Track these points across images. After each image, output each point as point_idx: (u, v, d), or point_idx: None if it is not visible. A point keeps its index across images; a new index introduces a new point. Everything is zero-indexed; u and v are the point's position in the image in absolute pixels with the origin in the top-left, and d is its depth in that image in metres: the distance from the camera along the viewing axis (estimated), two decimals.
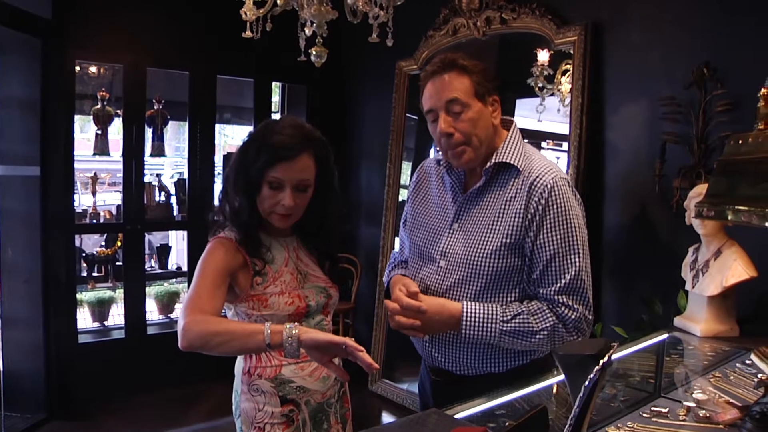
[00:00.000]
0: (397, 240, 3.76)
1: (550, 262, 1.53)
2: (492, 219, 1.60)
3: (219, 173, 4.60)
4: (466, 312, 1.51)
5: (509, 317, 1.51)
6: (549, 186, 1.54)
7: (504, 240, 1.56)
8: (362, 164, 4.96)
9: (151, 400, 4.01)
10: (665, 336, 2.11)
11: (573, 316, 1.53)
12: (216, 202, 1.74)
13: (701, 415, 1.56)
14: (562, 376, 1.76)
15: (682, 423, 1.58)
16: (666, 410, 1.63)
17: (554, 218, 1.53)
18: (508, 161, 1.61)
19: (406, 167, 4.48)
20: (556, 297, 1.53)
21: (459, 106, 1.57)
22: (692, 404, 1.62)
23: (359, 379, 4.48)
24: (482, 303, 1.54)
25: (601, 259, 3.20)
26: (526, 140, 1.72)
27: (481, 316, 1.50)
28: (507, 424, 1.05)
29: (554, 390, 1.69)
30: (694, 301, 2.15)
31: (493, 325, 1.50)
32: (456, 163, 1.64)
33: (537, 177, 1.56)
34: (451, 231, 1.67)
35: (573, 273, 1.53)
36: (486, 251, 1.58)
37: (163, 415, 3.91)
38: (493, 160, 1.62)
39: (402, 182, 4.48)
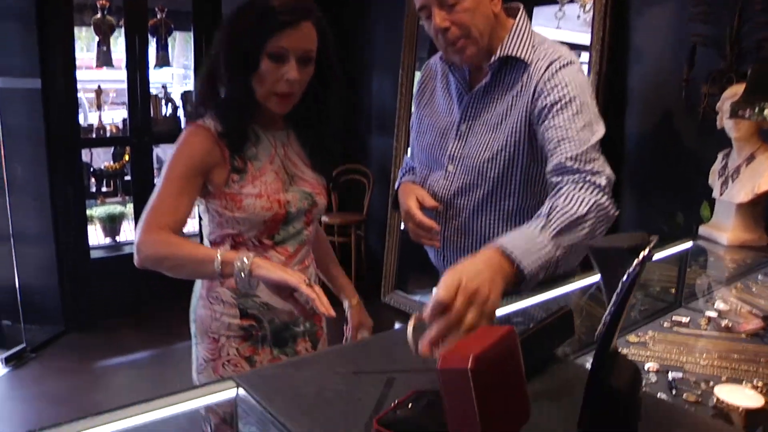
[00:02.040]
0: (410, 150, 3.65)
1: (565, 135, 1.34)
2: (499, 117, 1.47)
3: None
4: (505, 242, 1.11)
5: (544, 221, 1.19)
6: (557, 67, 1.41)
7: (510, 139, 1.44)
8: (373, 73, 4.82)
9: (165, 313, 4.05)
10: (689, 245, 2.05)
11: (604, 182, 1.29)
12: (196, 89, 1.53)
13: (723, 325, 1.54)
14: (580, 283, 1.76)
15: (703, 333, 1.55)
16: (687, 320, 1.61)
17: (565, 95, 1.37)
18: (514, 54, 1.47)
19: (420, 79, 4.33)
20: (578, 165, 1.30)
21: None
22: (714, 314, 1.60)
23: (371, 290, 4.53)
24: (508, 232, 1.26)
25: (621, 169, 3.10)
26: None
27: (522, 236, 1.15)
28: (532, 326, 0.99)
29: (574, 298, 1.66)
30: (722, 208, 2.08)
31: (541, 237, 1.16)
32: (458, 60, 1.51)
33: (546, 63, 1.42)
34: (459, 133, 1.55)
35: (594, 141, 1.34)
36: (492, 152, 1.46)
37: (179, 327, 3.96)
38: (497, 54, 1.48)
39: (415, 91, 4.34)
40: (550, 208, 1.22)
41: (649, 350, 1.48)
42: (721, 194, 2.06)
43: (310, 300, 1.20)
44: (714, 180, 2.11)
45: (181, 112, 4.62)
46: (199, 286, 1.57)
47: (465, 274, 0.97)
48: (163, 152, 5.07)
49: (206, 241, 1.54)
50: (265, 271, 1.24)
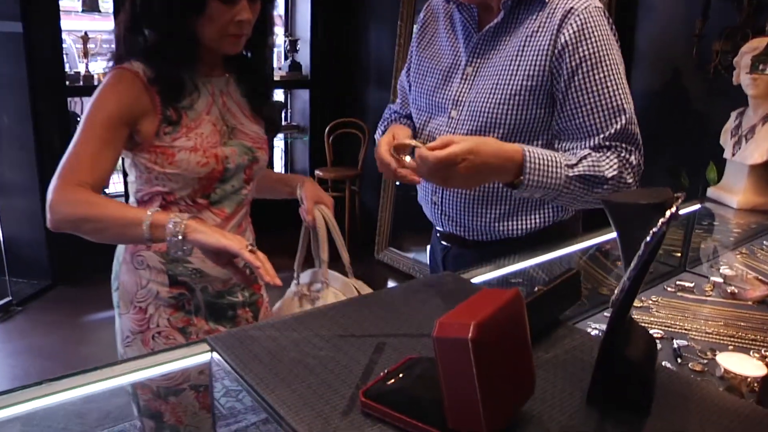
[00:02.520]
0: None
1: (596, 106, 1.26)
2: (511, 58, 1.33)
3: None
4: (529, 152, 1.18)
5: (574, 161, 1.23)
6: (583, 16, 1.27)
7: (525, 83, 1.30)
8: (370, 25, 4.67)
9: None
10: (696, 207, 1.98)
11: (634, 161, 1.28)
12: (118, 31, 1.32)
13: (728, 291, 1.48)
14: (585, 243, 1.69)
15: (707, 299, 1.50)
16: (691, 285, 1.56)
17: (591, 54, 1.25)
18: None
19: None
20: (612, 143, 1.26)
21: None
22: (719, 280, 1.55)
23: (365, 246, 4.46)
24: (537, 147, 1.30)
25: None
26: None
27: (545, 159, 1.20)
28: (537, 289, 0.91)
29: (577, 258, 1.58)
30: (733, 170, 1.98)
31: (559, 170, 1.21)
32: None
33: (568, 5, 1.29)
34: (464, 76, 1.41)
35: (626, 116, 1.27)
36: (504, 96, 1.32)
37: None
38: None
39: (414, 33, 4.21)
40: (584, 155, 1.24)
41: (652, 316, 1.42)
42: (733, 155, 1.96)
43: (253, 267, 1.08)
44: (726, 140, 2.01)
45: None
46: (122, 249, 1.43)
47: (485, 149, 1.14)
48: None
49: (132, 200, 1.40)
50: (202, 236, 1.11)
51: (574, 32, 1.25)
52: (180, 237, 1.11)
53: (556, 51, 1.27)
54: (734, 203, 1.96)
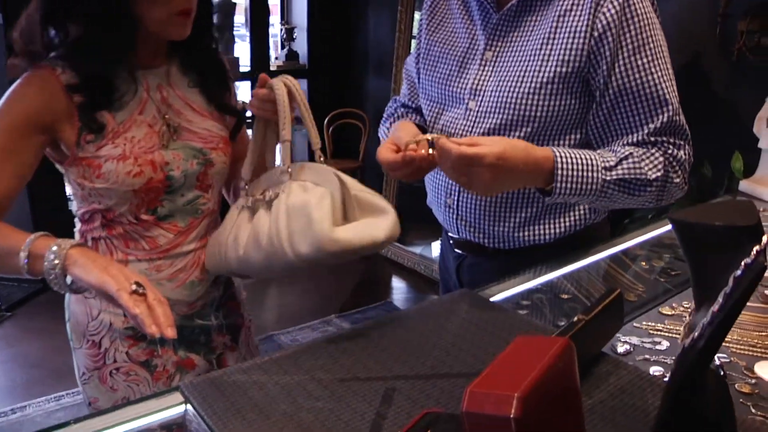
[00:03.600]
0: None
1: (640, 95, 1.12)
2: (540, 42, 1.16)
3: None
4: (561, 157, 1.07)
5: (613, 162, 1.11)
6: None
7: (558, 69, 1.14)
8: (369, 11, 4.51)
9: None
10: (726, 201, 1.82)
11: (683, 157, 1.15)
12: (22, 28, 1.11)
13: (767, 294, 1.30)
14: (616, 248, 1.54)
15: (747, 304, 1.33)
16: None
17: (635, 36, 1.11)
18: None
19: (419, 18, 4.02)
20: (657, 138, 1.13)
21: None
22: None
23: None
24: (571, 148, 1.15)
25: None
26: None
27: (579, 163, 1.08)
28: (576, 319, 0.75)
29: (606, 266, 1.43)
30: None
31: (595, 174, 1.08)
32: None
33: None
34: (483, 62, 1.24)
35: (673, 107, 1.12)
36: (533, 85, 1.16)
37: None
38: None
39: (415, 31, 4.05)
40: (625, 156, 1.11)
41: None
42: None
43: (129, 315, 0.86)
44: (761, 128, 1.84)
45: None
46: None
47: (512, 154, 0.99)
48: None
49: (76, 220, 1.22)
50: (80, 270, 0.92)
51: (616, 12, 1.10)
52: (59, 271, 0.92)
53: (596, 33, 1.11)
54: None
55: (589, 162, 1.08)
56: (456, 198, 1.31)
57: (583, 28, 1.11)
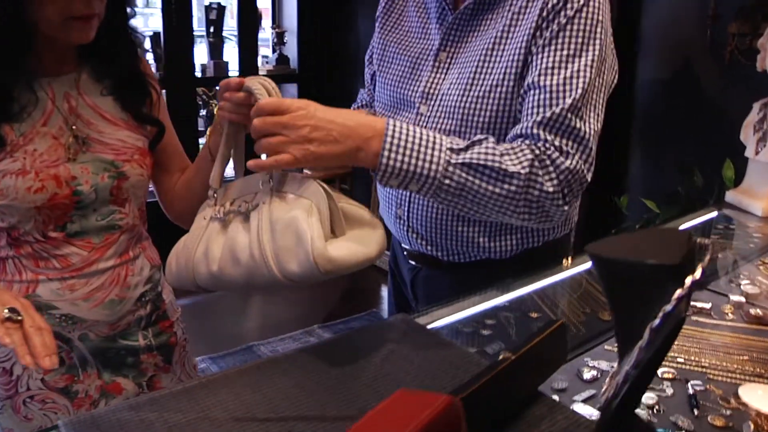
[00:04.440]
0: None
1: (543, 86, 1.01)
2: (494, 41, 1.10)
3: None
4: (395, 124, 0.93)
5: (463, 145, 0.96)
6: None
7: (510, 70, 1.06)
8: (360, 15, 4.45)
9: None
10: (714, 214, 1.73)
11: (566, 166, 0.98)
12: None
13: (752, 313, 1.24)
14: (580, 267, 1.45)
15: (728, 324, 1.25)
16: (708, 306, 1.31)
17: (569, 29, 1.02)
18: None
19: None
20: (538, 132, 0.99)
21: None
22: (741, 299, 1.31)
23: None
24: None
25: (631, 120, 2.80)
26: None
27: (417, 136, 0.94)
28: (502, 357, 0.66)
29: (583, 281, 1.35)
30: (757, 171, 1.73)
31: (437, 153, 0.94)
32: None
33: None
34: (437, 63, 1.18)
35: (570, 105, 0.99)
36: (485, 88, 1.08)
37: None
38: None
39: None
40: (479, 140, 0.97)
41: None
42: (756, 153, 1.70)
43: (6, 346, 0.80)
44: (748, 136, 1.75)
45: (150, 57, 4.24)
46: None
47: (316, 109, 0.88)
48: None
49: None
50: None
51: (558, 2, 1.03)
52: None
53: (537, 26, 1.04)
54: (758, 210, 1.70)
55: (432, 139, 0.94)
56: (406, 209, 1.24)
57: (532, 27, 1.05)
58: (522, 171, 0.95)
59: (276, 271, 0.88)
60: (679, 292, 0.40)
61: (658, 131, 2.75)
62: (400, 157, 0.91)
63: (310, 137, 0.87)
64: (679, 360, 1.15)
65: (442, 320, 1.06)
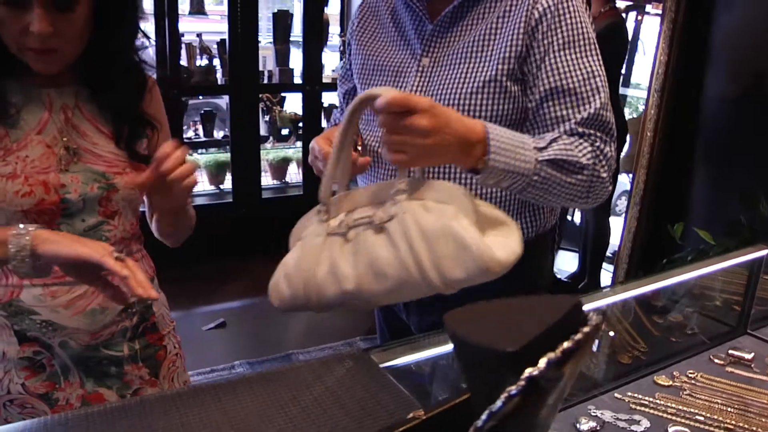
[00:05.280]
0: None
1: (568, 89, 1.12)
2: (480, 43, 1.17)
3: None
4: (493, 130, 0.99)
5: (543, 144, 1.06)
6: None
7: (500, 66, 1.14)
8: None
9: (177, 275, 3.87)
10: (764, 252, 1.56)
11: (609, 153, 1.12)
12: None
13: None
14: (628, 293, 1.34)
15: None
16: (750, 356, 1.23)
17: (566, 32, 1.12)
18: None
19: None
20: (584, 130, 1.11)
21: None
22: None
23: None
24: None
25: (694, 140, 2.64)
26: None
27: (511, 138, 1.01)
28: (411, 415, 0.58)
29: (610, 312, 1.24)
30: None
31: (528, 152, 1.02)
32: None
33: None
34: (421, 68, 1.22)
35: (600, 101, 1.12)
36: (476, 84, 1.15)
37: (194, 290, 3.75)
38: None
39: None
40: (553, 139, 1.08)
41: (682, 403, 1.09)
42: None
43: (119, 278, 0.89)
44: None
45: (217, 62, 4.34)
46: None
47: (444, 115, 0.91)
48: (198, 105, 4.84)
49: None
50: (54, 246, 0.92)
51: (548, 7, 1.12)
52: (28, 251, 0.92)
53: (529, 27, 1.13)
54: None
55: (521, 140, 1.03)
56: None
57: (521, 27, 1.13)
58: (589, 162, 1.08)
59: (436, 280, 0.89)
60: (509, 391, 0.32)
61: (723, 153, 2.60)
62: (502, 159, 0.99)
63: (427, 141, 0.90)
64: (698, 417, 1.05)
65: (409, 356, 0.99)
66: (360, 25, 1.36)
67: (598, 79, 1.12)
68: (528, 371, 0.33)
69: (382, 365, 0.91)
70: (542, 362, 0.33)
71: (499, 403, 0.33)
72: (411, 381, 0.91)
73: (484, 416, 0.33)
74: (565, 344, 0.33)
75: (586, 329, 0.34)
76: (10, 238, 0.92)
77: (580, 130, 1.11)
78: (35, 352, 1.14)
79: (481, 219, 0.92)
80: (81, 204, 1.10)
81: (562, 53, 1.12)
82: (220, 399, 0.78)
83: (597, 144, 1.11)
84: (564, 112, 1.12)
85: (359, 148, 1.14)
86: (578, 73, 1.11)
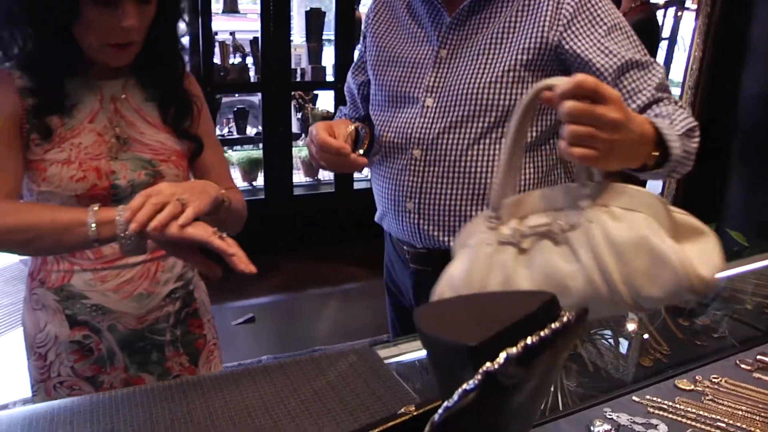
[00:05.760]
0: None
1: (629, 67, 1.13)
2: (499, 34, 1.18)
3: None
4: (659, 125, 0.94)
5: (668, 120, 1.03)
6: None
7: (520, 57, 1.15)
8: None
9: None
10: None
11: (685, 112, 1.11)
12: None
13: None
14: None
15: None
16: None
17: (605, 19, 1.15)
18: None
19: None
20: (660, 94, 1.12)
21: None
22: None
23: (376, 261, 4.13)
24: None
25: (731, 138, 2.56)
26: None
27: (666, 126, 0.95)
28: (403, 410, 0.57)
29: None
30: None
31: (675, 134, 0.95)
32: None
33: None
34: (438, 60, 1.23)
35: (659, 67, 1.15)
36: (496, 74, 1.17)
37: (225, 285, 3.78)
38: None
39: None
40: (663, 113, 1.06)
41: (703, 408, 1.04)
42: None
43: (225, 255, 0.91)
44: None
45: (250, 60, 4.39)
46: (24, 285, 1.28)
47: (623, 104, 0.79)
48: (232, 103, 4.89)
49: None
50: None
51: (576, 2, 1.15)
52: (133, 230, 0.95)
53: (561, 22, 1.15)
54: None
55: (666, 125, 0.96)
56: (417, 200, 1.27)
57: (546, 20, 1.14)
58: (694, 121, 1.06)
59: (627, 298, 0.80)
60: (464, 386, 0.31)
61: (759, 152, 2.52)
62: (677, 147, 0.94)
63: (615, 136, 0.78)
64: (719, 424, 1.01)
65: (414, 353, 0.99)
66: (375, 17, 1.38)
67: (645, 51, 1.16)
68: (486, 366, 0.32)
69: (387, 361, 0.90)
70: (501, 357, 0.31)
71: (455, 397, 0.32)
72: (415, 377, 0.90)
73: (440, 410, 0.32)
74: (528, 340, 0.31)
75: (554, 325, 0.33)
76: (117, 217, 0.96)
77: (659, 95, 1.11)
78: (84, 336, 1.20)
79: (675, 228, 0.81)
80: (129, 190, 1.15)
81: (610, 36, 1.14)
82: (221, 390, 0.78)
83: (679, 103, 1.13)
84: (635, 84, 1.13)
85: (364, 148, 1.17)
86: (632, 48, 1.14)
